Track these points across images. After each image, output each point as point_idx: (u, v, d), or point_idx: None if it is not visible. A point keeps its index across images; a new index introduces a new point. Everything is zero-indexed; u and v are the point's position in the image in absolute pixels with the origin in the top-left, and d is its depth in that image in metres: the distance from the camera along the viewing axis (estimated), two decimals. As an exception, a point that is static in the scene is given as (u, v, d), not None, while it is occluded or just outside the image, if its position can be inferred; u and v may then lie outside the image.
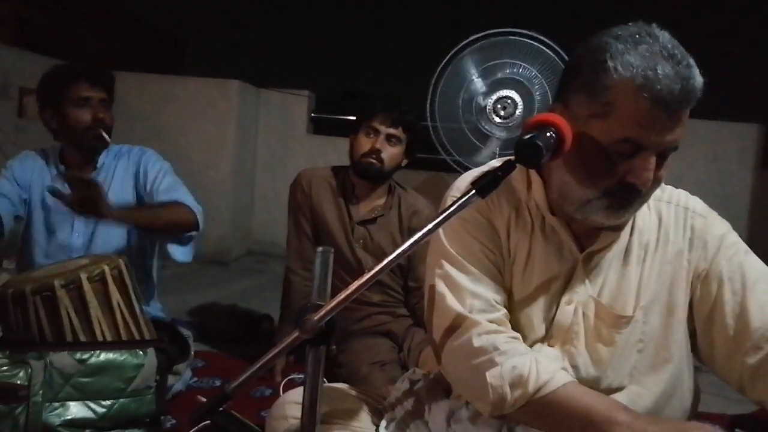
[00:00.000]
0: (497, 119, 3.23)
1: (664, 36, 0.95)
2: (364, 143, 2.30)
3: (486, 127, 3.26)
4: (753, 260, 1.08)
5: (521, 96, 3.18)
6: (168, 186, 2.14)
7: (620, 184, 0.97)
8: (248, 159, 5.20)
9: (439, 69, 3.38)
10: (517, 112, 3.18)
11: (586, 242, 1.08)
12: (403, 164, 2.39)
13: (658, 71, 0.91)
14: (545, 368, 0.97)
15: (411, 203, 2.40)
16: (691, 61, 0.94)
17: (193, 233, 2.09)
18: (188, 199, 2.10)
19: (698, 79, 0.94)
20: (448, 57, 3.36)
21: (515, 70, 3.21)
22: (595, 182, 0.98)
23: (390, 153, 2.29)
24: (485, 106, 3.25)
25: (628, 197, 0.99)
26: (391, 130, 2.29)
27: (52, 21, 11.58)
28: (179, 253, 2.11)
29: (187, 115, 4.92)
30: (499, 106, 3.21)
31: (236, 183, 4.99)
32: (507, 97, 3.19)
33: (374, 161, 2.28)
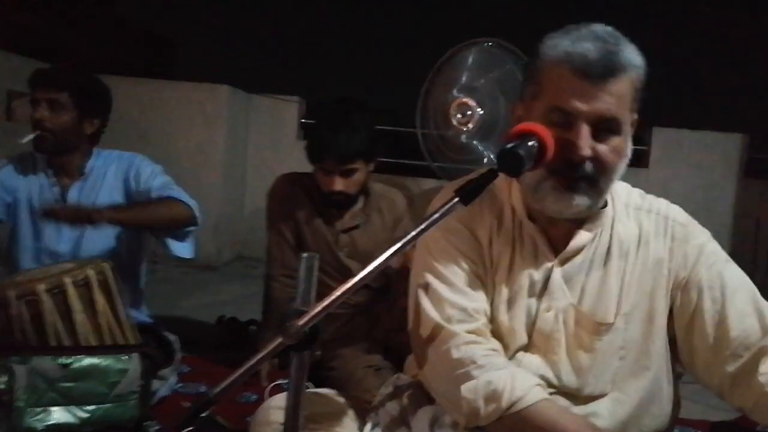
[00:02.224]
0: (456, 124, 3.27)
1: (603, 27, 1.01)
2: (323, 181, 2.24)
3: (449, 133, 3.29)
4: (733, 269, 1.09)
5: (478, 101, 3.20)
6: (161, 184, 2.14)
7: (560, 160, 0.99)
8: (238, 164, 5.19)
9: (427, 80, 3.42)
10: (475, 117, 3.20)
11: (561, 247, 1.10)
12: (371, 170, 2.33)
13: (578, 47, 0.98)
14: (520, 384, 0.98)
15: (389, 206, 2.37)
16: (625, 43, 1.00)
17: (191, 228, 2.10)
18: (182, 195, 2.10)
19: (628, 56, 0.99)
20: (434, 69, 3.41)
21: (473, 76, 3.24)
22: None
23: (350, 182, 2.23)
24: (447, 113, 3.29)
25: (570, 174, 1.01)
26: (345, 167, 2.21)
27: (40, 24, 11.53)
28: (179, 249, 2.12)
29: (176, 120, 4.90)
30: (458, 112, 3.24)
31: (226, 188, 4.98)
32: (464, 103, 3.22)
33: (339, 198, 2.25)
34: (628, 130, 1.05)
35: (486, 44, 3.17)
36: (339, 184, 2.21)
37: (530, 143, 0.92)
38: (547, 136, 0.94)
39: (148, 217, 2.01)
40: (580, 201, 1.03)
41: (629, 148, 1.07)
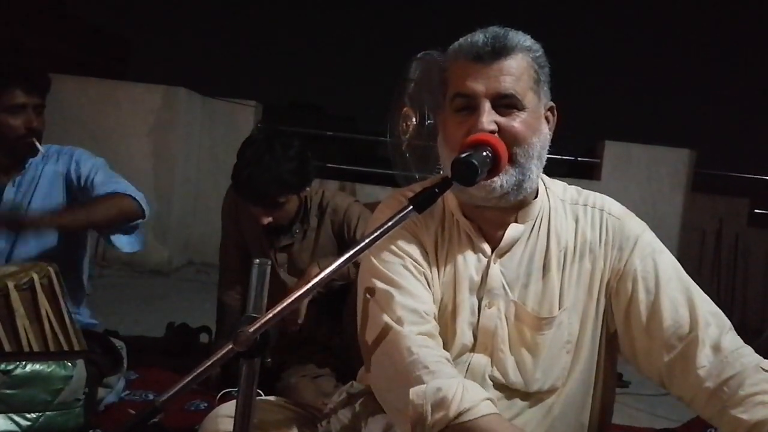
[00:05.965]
0: (400, 133, 3.32)
1: (496, 28, 1.07)
2: (253, 211, 2.16)
3: (396, 141, 3.34)
4: (666, 259, 1.12)
5: (419, 112, 3.25)
6: (104, 179, 2.07)
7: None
8: (192, 168, 5.11)
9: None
10: (411, 126, 3.25)
11: (497, 242, 1.12)
12: (305, 194, 2.24)
13: (469, 39, 1.07)
14: (470, 396, 0.96)
15: (333, 213, 2.28)
16: (514, 31, 1.08)
17: (139, 221, 2.04)
18: (127, 188, 2.04)
19: (515, 37, 1.06)
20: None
21: (418, 87, 3.29)
22: (453, 147, 1.05)
23: (279, 215, 2.16)
24: (394, 122, 3.34)
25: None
26: (269, 210, 2.14)
27: (-11, 20, 11.19)
28: (124, 243, 2.06)
29: (129, 122, 4.81)
30: (403, 121, 3.29)
31: (179, 192, 4.91)
32: (406, 113, 3.27)
33: (269, 228, 2.20)
34: (536, 109, 1.08)
35: (430, 55, 3.20)
36: (266, 219, 2.14)
37: (484, 153, 0.93)
38: (501, 146, 0.95)
39: (96, 217, 1.93)
40: (502, 180, 1.05)
41: (544, 126, 1.10)
